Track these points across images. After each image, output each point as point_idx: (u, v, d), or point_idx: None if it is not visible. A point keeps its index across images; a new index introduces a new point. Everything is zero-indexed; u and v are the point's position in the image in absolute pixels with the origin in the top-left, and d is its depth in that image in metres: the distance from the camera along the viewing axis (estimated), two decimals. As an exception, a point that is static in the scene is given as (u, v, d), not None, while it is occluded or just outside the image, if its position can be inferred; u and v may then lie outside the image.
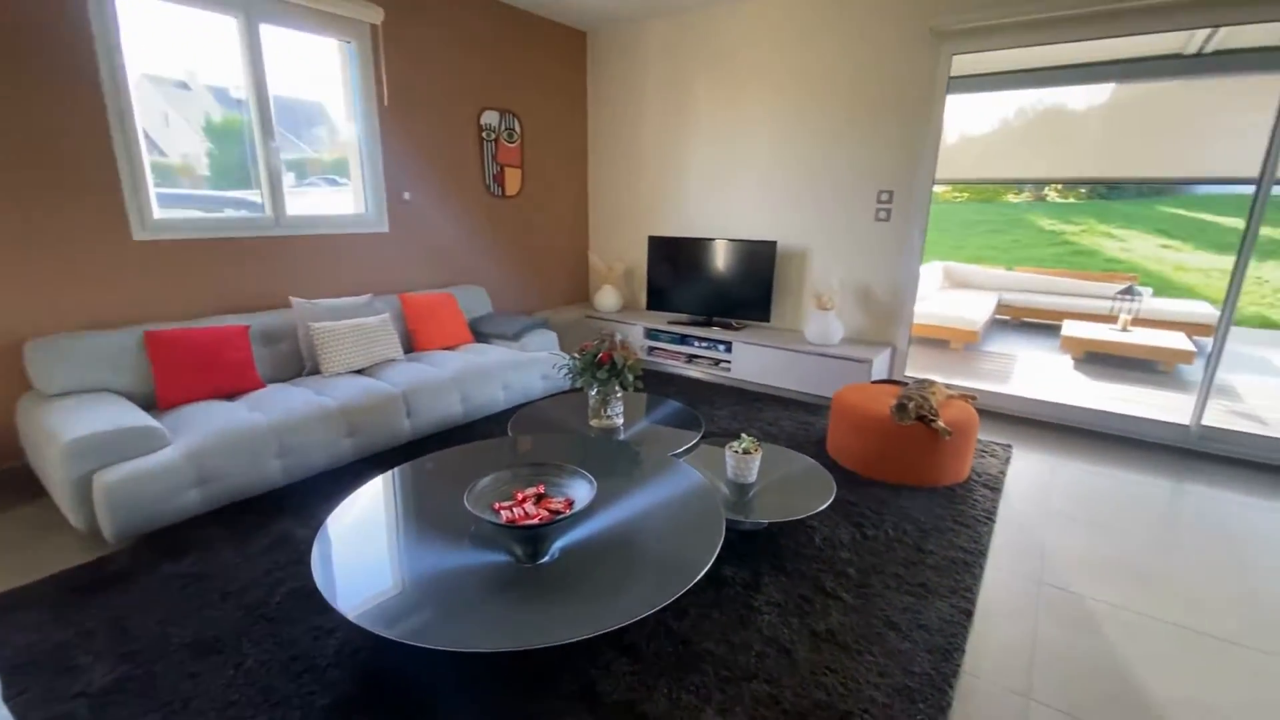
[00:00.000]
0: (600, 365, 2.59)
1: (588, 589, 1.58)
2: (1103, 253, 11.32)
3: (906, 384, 3.01)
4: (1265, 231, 2.90)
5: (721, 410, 3.63)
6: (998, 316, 6.50)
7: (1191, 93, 5.62)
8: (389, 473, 2.16)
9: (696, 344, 4.29)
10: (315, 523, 2.29)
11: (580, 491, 1.89)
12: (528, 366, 3.49)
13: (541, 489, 1.93)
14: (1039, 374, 4.62)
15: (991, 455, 3.03)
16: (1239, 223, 2.95)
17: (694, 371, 4.39)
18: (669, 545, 1.77)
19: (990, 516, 2.45)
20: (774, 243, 4.04)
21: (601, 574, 1.65)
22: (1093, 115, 6.21)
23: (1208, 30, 4.80)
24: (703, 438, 2.67)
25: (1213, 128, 5.49)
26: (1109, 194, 15.47)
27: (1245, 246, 2.94)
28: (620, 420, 2.72)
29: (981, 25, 3.21)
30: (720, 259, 4.27)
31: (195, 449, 2.27)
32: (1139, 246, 11.27)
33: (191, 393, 2.61)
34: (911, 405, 2.63)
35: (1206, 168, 5.81)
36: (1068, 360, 5.01)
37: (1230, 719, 1.53)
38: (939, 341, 5.43)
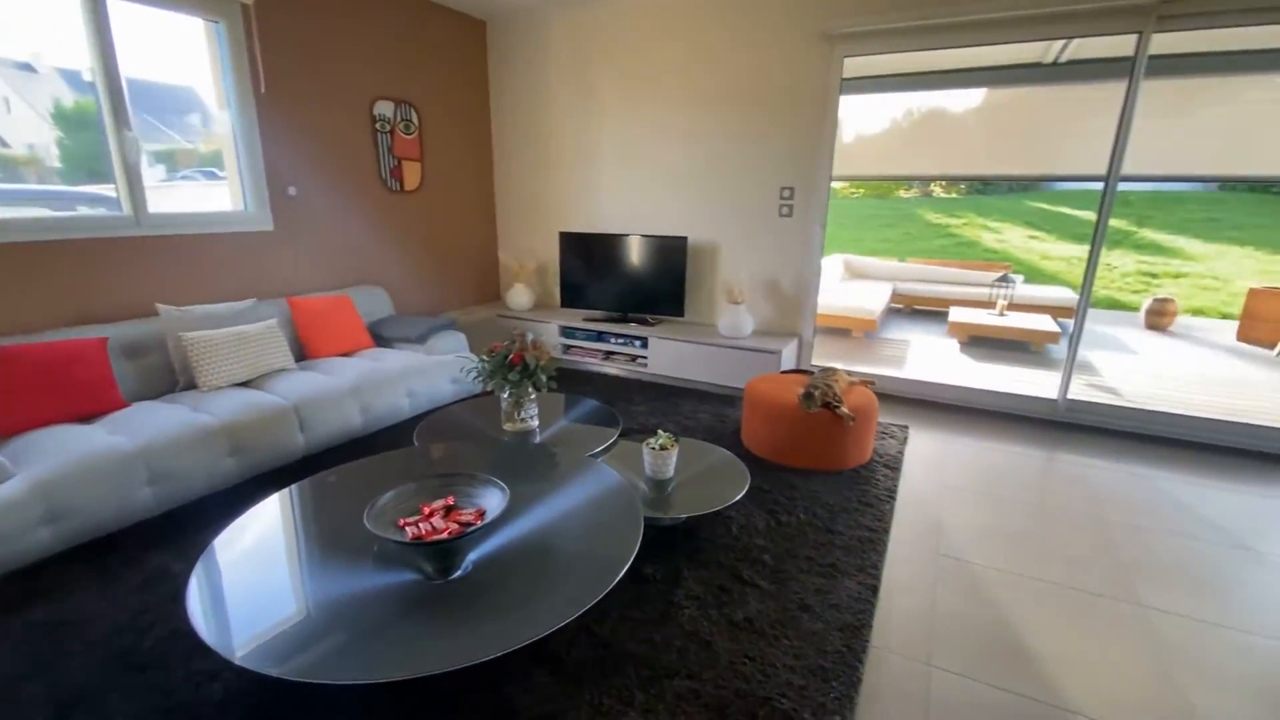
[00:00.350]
0: (511, 367, 2.51)
1: (504, 601, 1.52)
2: (982, 244, 12.35)
3: (813, 373, 3.13)
4: (1113, 223, 3.25)
5: (639, 406, 3.64)
6: (893, 305, 6.94)
7: (1052, 97, 6.23)
8: (280, 493, 1.98)
9: (613, 340, 4.28)
10: (195, 554, 2.06)
11: (492, 501, 1.82)
12: (434, 371, 3.34)
13: (451, 500, 1.84)
14: (931, 358, 4.97)
15: (891, 437, 3.21)
16: (1093, 215, 3.29)
17: (611, 368, 4.37)
18: (588, 548, 1.74)
19: (891, 495, 2.60)
20: (685, 238, 4.09)
21: (518, 584, 1.59)
22: (970, 117, 6.74)
23: (1063, 41, 5.36)
24: (620, 435, 2.66)
25: (1069, 130, 6.11)
26: (985, 190, 16.91)
27: (1097, 237, 3.29)
28: (535, 422, 2.65)
29: (868, 30, 3.38)
30: (633, 255, 4.27)
31: (43, 481, 1.99)
32: (1011, 237, 12.39)
33: (36, 417, 2.28)
34: (817, 393, 2.73)
35: (1065, 166, 6.46)
36: (955, 344, 5.43)
37: (1097, 663, 1.70)
38: (842, 330, 5.72)
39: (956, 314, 5.63)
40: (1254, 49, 5.29)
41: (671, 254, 4.15)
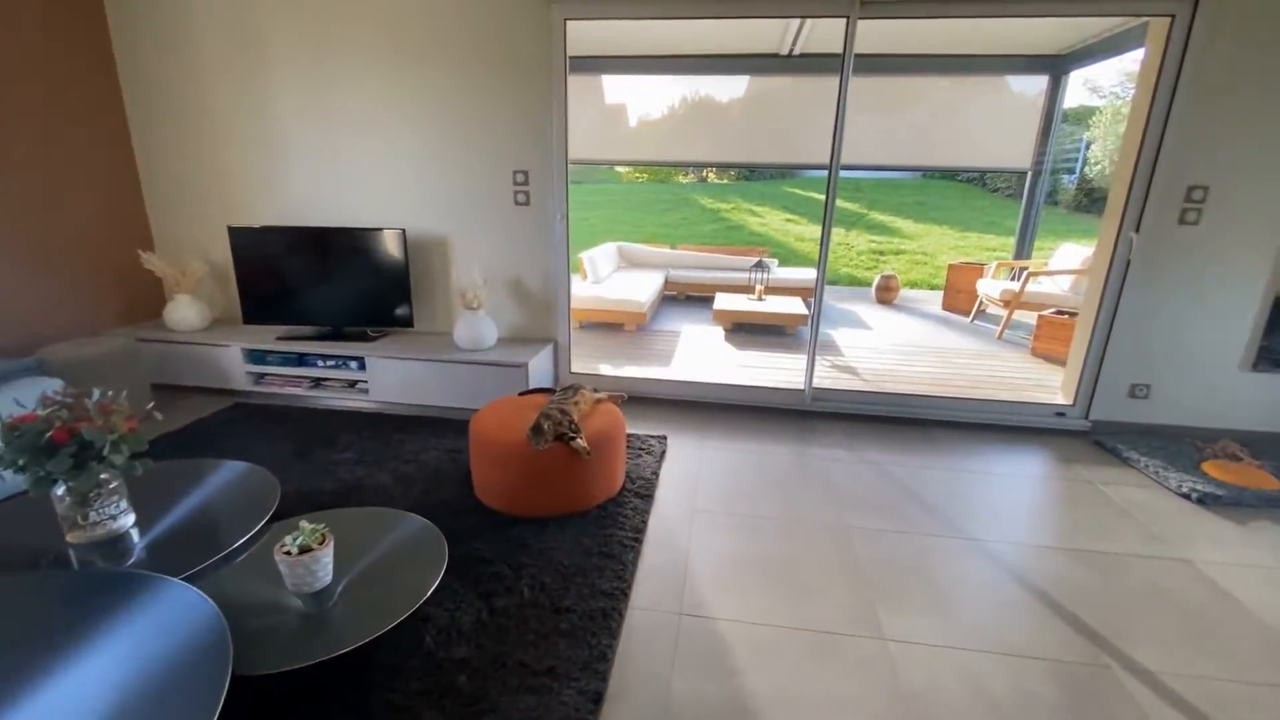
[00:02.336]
0: (54, 449, 1.59)
1: None
2: (748, 227, 13.25)
3: (554, 391, 2.65)
4: (849, 206, 3.25)
5: (346, 453, 2.84)
6: (667, 293, 6.88)
7: (795, 90, 6.56)
8: None
9: (321, 364, 3.38)
10: None
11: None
12: (-19, 447, 2.18)
13: None
14: (698, 348, 4.87)
15: (647, 452, 2.88)
16: (838, 201, 3.26)
17: (324, 399, 3.47)
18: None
19: (639, 536, 2.22)
20: (402, 230, 3.33)
21: None
22: (734, 106, 6.88)
23: (795, 32, 5.56)
24: (273, 518, 1.89)
25: (810, 121, 6.50)
26: (751, 176, 18.34)
27: (826, 222, 3.28)
28: (127, 521, 1.77)
29: (589, -11, 2.94)
30: (340, 253, 3.40)
31: None
32: (772, 221, 13.49)
33: None
34: (548, 425, 2.24)
35: (807, 155, 6.89)
36: (720, 332, 5.43)
37: (843, 740, 1.45)
38: (615, 324, 5.42)
39: (720, 301, 5.66)
40: (939, 54, 6.04)
41: (389, 251, 3.37)
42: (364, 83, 3.29)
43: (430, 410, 3.34)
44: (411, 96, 3.28)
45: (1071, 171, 11.73)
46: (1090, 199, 13.90)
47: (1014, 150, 6.51)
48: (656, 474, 2.70)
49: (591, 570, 2.00)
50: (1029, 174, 6.50)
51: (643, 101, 7.01)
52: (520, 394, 2.76)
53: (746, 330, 5.48)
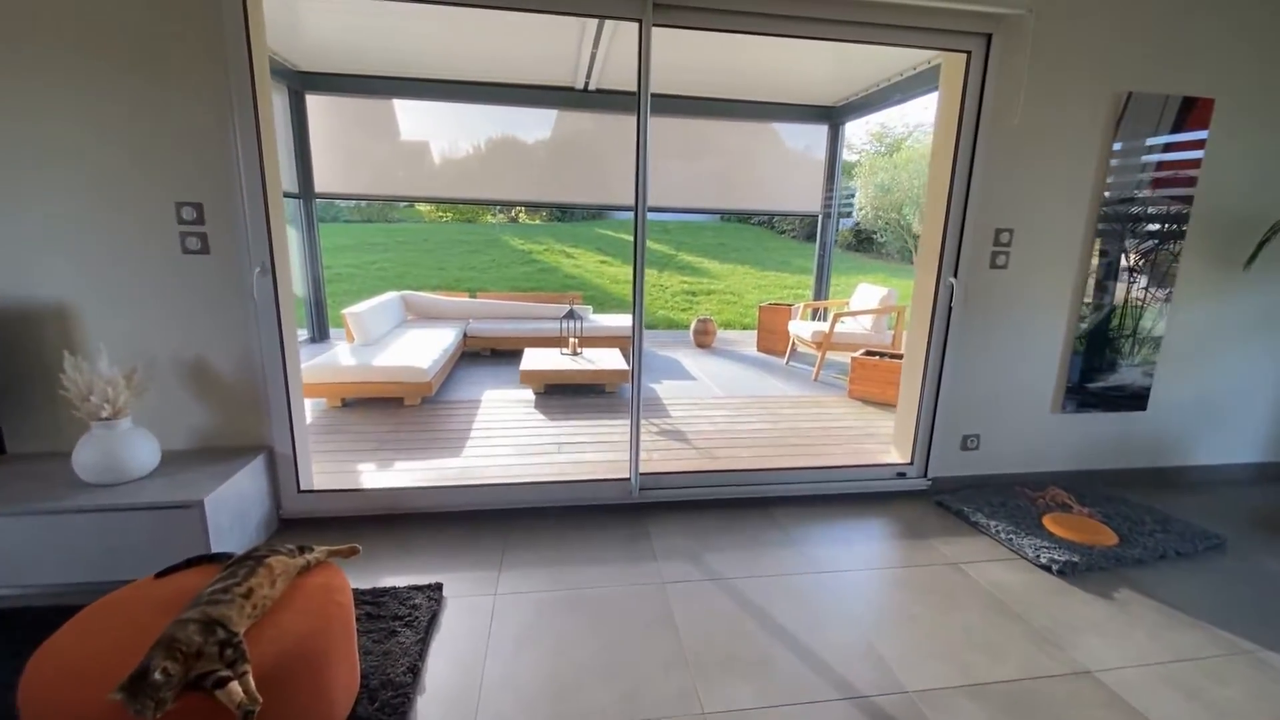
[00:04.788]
0: None
1: None
2: (562, 269, 12.69)
3: (232, 556, 1.58)
4: (659, 248, 2.65)
5: None
6: (468, 350, 5.88)
7: (601, 129, 6.12)
8: None
9: None
10: None
11: None
12: None
13: None
14: (501, 423, 3.97)
15: (407, 624, 1.90)
16: (651, 243, 2.64)
17: None
18: None
19: (362, 840, 1.25)
20: (-38, 301, 2.01)
21: None
22: (541, 144, 6.29)
23: (588, 66, 5.08)
24: None
25: (619, 161, 6.11)
26: (563, 217, 18.00)
27: (638, 266, 2.66)
28: None
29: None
30: None
31: None
32: (586, 263, 13.10)
33: None
34: (166, 670, 1.19)
35: (617, 195, 6.47)
36: (530, 395, 4.59)
37: None
38: (393, 399, 4.29)
39: (529, 359, 4.83)
40: (731, 99, 6.01)
41: (-60, 334, 2.01)
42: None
43: (28, 595, 1.99)
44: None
45: (849, 215, 13.10)
46: (859, 240, 15.80)
47: (806, 195, 6.74)
48: (416, 670, 1.73)
49: None
50: (819, 217, 6.74)
51: (446, 135, 6.23)
52: (158, 575, 1.61)
53: (561, 391, 4.70)
